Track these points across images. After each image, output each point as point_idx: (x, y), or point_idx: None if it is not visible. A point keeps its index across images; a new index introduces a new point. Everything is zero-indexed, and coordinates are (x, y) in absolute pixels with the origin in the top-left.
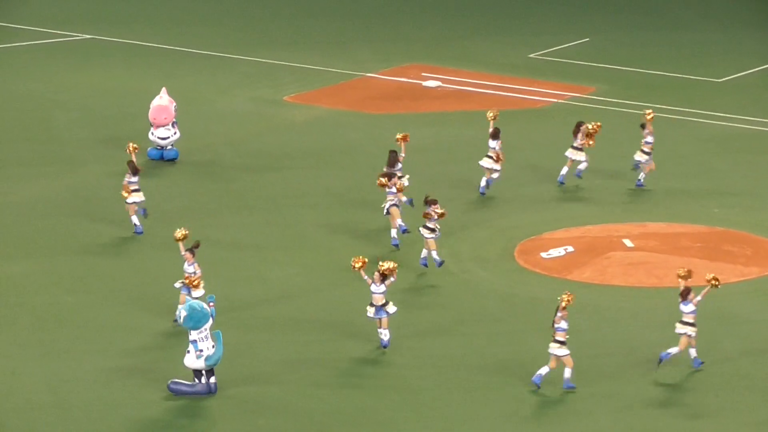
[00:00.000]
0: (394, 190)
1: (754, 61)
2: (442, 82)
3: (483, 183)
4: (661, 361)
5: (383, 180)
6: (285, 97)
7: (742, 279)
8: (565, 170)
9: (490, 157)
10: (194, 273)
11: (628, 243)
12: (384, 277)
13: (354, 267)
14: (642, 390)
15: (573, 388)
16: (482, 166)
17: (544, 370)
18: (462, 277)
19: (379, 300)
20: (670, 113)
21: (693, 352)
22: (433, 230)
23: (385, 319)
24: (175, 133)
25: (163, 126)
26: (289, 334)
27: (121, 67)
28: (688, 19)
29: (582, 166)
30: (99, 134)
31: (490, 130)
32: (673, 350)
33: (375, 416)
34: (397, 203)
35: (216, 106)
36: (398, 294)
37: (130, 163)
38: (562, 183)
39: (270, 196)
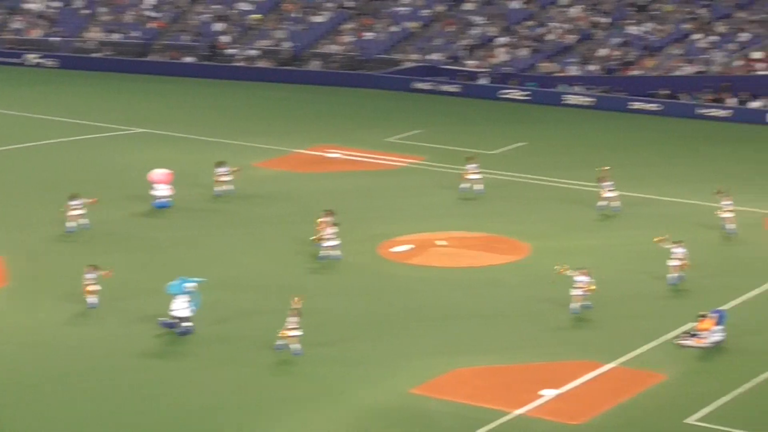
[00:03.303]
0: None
1: (512, 142)
2: (340, 154)
3: None
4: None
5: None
6: (253, 163)
7: (503, 262)
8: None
9: None
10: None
11: (441, 243)
12: None
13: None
14: (465, 331)
15: (576, 312)
16: None
17: (575, 304)
18: (346, 261)
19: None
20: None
21: (577, 305)
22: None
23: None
24: (169, 190)
25: (163, 185)
26: (247, 293)
27: (160, 147)
28: (475, 119)
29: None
30: (143, 186)
31: None
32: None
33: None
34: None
35: (209, 169)
36: (312, 272)
37: None
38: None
39: (243, 219)
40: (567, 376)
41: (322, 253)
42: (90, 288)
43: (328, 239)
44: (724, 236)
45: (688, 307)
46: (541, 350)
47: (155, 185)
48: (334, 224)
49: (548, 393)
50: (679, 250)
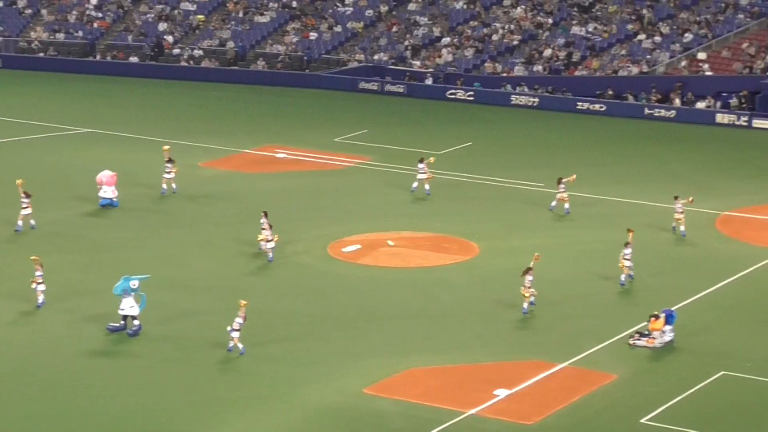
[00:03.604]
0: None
1: (458, 142)
2: (287, 154)
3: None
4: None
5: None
6: (199, 163)
7: (452, 262)
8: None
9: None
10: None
11: (390, 243)
12: None
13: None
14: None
15: (525, 312)
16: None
17: (525, 304)
18: (295, 261)
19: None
20: (413, 170)
21: (525, 305)
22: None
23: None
24: (113, 192)
25: (108, 187)
26: (194, 293)
27: (105, 146)
28: (421, 119)
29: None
30: (89, 186)
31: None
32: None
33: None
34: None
35: (155, 169)
36: (261, 272)
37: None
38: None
39: (190, 219)
40: (519, 375)
41: (269, 255)
42: (37, 287)
43: (269, 240)
44: (675, 237)
45: (638, 307)
46: (493, 350)
47: (102, 186)
48: (269, 225)
49: (501, 393)
50: (627, 251)
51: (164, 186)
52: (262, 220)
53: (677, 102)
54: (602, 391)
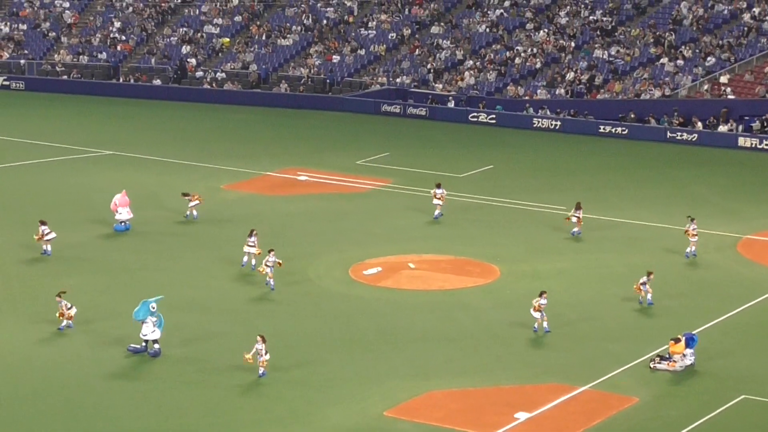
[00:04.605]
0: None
1: (479, 165)
2: (309, 177)
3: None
4: (536, 330)
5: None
6: (222, 186)
7: (474, 285)
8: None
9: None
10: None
11: (411, 266)
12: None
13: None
14: (439, 351)
15: (548, 331)
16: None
17: (536, 325)
18: (317, 284)
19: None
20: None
21: (545, 324)
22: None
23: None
24: (128, 213)
25: (123, 208)
26: (214, 315)
27: (128, 169)
28: (443, 142)
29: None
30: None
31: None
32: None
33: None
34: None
35: (179, 191)
36: (282, 294)
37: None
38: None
39: (211, 241)
40: (540, 399)
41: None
42: (66, 313)
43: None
44: (696, 260)
45: (659, 330)
46: (514, 373)
47: (118, 209)
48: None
49: (521, 416)
50: (644, 279)
51: (188, 212)
52: (251, 239)
53: (699, 125)
54: (623, 415)
